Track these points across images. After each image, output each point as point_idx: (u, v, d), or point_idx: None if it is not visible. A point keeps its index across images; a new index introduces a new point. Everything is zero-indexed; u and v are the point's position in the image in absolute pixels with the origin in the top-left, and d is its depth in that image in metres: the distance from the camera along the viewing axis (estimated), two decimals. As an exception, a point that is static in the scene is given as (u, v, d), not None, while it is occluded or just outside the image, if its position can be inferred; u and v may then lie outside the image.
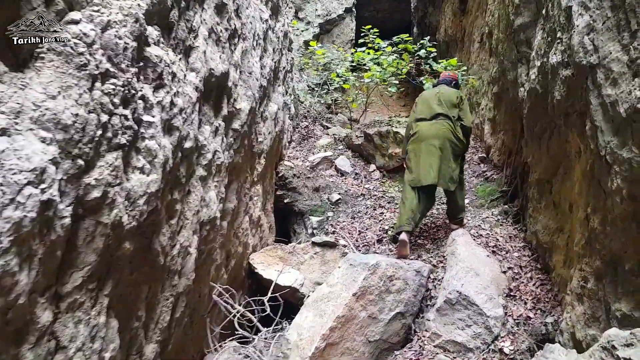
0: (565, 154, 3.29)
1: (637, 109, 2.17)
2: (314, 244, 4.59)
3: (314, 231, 5.39)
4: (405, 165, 4.51)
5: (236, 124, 3.48)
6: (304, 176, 6.13)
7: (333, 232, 5.02)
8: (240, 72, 3.65)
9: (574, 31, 2.70)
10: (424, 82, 6.15)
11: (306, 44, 10.54)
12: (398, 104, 14.60)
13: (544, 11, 3.39)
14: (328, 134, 8.09)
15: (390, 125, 6.38)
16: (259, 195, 4.64)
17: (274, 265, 4.48)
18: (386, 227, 4.72)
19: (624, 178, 2.30)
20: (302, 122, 8.54)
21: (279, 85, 5.48)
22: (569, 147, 3.20)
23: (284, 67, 5.72)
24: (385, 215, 5.02)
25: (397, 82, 7.21)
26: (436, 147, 4.11)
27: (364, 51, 6.92)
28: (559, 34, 2.99)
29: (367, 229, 4.84)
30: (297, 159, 6.58)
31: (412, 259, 3.90)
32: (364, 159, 6.69)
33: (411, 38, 6.30)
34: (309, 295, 3.90)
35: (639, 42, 2.17)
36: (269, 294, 4.03)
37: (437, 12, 10.19)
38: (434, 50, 6.30)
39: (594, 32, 2.53)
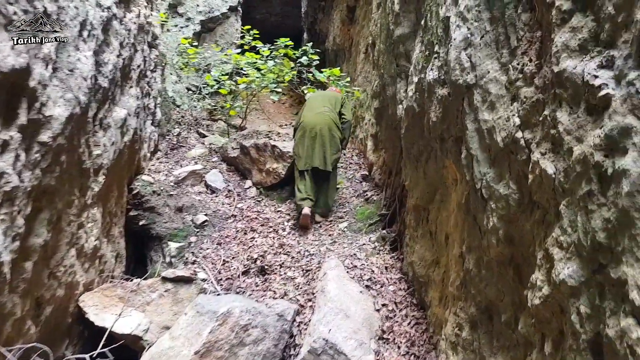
0: (442, 181, 3.05)
1: (515, 138, 1.90)
2: (164, 279, 3.89)
3: (172, 260, 4.67)
4: (294, 153, 5.13)
5: (45, 136, 2.68)
6: (166, 193, 5.36)
7: (194, 262, 4.35)
8: (54, 68, 2.85)
9: (451, 45, 2.43)
10: (305, 91, 5.76)
11: (196, 39, 9.69)
12: (290, 112, 14.31)
13: (423, 22, 3.14)
14: (204, 144, 7.36)
15: (268, 137, 5.89)
16: (95, 220, 3.80)
17: (111, 308, 3.68)
18: (255, 256, 4.19)
19: (500, 217, 2.02)
20: (174, 128, 7.70)
21: (130, 87, 4.67)
22: (445, 174, 2.96)
23: (138, 66, 4.93)
24: (256, 241, 4.48)
25: (279, 90, 6.76)
26: (319, 133, 4.77)
27: (241, 53, 6.37)
28: (436, 48, 2.73)
29: (233, 258, 4.26)
30: (160, 172, 5.77)
31: (276, 298, 3.41)
32: (239, 173, 6.10)
33: (292, 43, 5.89)
34: (149, 348, 3.20)
35: (519, 61, 1.91)
36: (100, 347, 3.26)
37: (327, 19, 10.04)
38: (316, 58, 5.96)
39: (472, 47, 2.26)
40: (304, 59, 5.87)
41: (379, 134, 5.22)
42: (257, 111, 12.77)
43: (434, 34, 2.79)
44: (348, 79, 6.16)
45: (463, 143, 2.37)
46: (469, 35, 2.29)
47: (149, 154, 5.95)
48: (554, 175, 1.62)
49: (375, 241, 4.13)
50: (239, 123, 9.38)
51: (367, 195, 5.07)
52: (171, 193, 5.39)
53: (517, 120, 1.90)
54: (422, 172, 3.36)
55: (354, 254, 3.92)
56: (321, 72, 5.85)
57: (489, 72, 2.14)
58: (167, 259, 4.74)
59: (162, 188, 5.41)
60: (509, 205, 1.97)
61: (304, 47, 5.93)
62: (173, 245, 4.77)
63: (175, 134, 7.48)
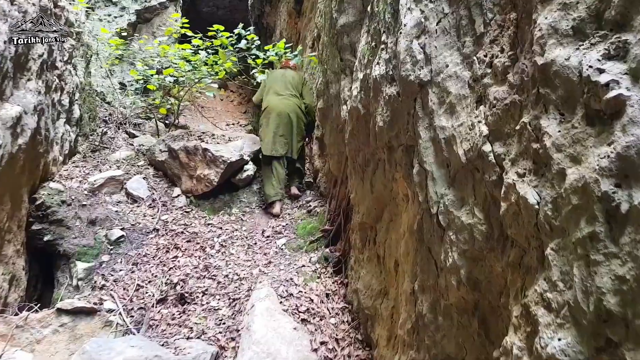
0: (391, 196, 2.61)
1: (481, 152, 1.47)
2: (59, 311, 3.23)
3: (79, 283, 4.00)
4: (260, 137, 5.26)
5: None
6: (78, 203, 4.64)
7: (102, 287, 3.70)
8: None
9: (401, 33, 1.98)
10: (257, 75, 5.19)
11: (128, 32, 8.83)
12: (239, 110, 13.56)
13: (369, 7, 2.69)
14: (132, 145, 6.62)
15: (200, 139, 5.28)
16: (-28, 240, 3.09)
17: (-13, 351, 2.98)
18: (176, 280, 3.60)
19: (462, 252, 1.58)
20: (99, 127, 6.90)
21: (28, 80, 3.94)
22: (395, 188, 2.52)
23: (40, 55, 4.19)
24: (178, 261, 3.89)
25: (216, 85, 6.15)
26: (285, 120, 4.83)
27: (167, 43, 5.70)
28: (383, 37, 2.28)
29: (149, 282, 3.65)
30: (72, 178, 5.03)
31: (192, 338, 2.85)
32: (168, 180, 5.44)
33: (227, 33, 5.30)
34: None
35: (487, 52, 1.48)
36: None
37: (274, 12, 9.50)
38: (255, 37, 5.40)
39: (426, 34, 1.82)
40: (242, 44, 5.28)
41: (324, 137, 4.75)
42: (204, 109, 12.01)
43: (381, 21, 2.34)
44: (300, 47, 5.67)
45: (415, 155, 1.92)
46: (422, 20, 1.84)
47: (61, 158, 5.18)
48: (537, 206, 1.19)
49: (317, 262, 3.65)
50: (180, 122, 8.65)
51: (310, 206, 4.59)
52: (84, 203, 4.68)
53: (485, 129, 1.47)
54: (368, 184, 2.91)
55: (291, 279, 3.42)
56: (264, 51, 5.33)
57: (447, 65, 1.70)
58: (74, 282, 4.06)
59: (73, 197, 4.69)
60: (473, 239, 1.53)
61: (236, 30, 5.34)
62: (81, 266, 4.09)
63: (100, 134, 6.69)
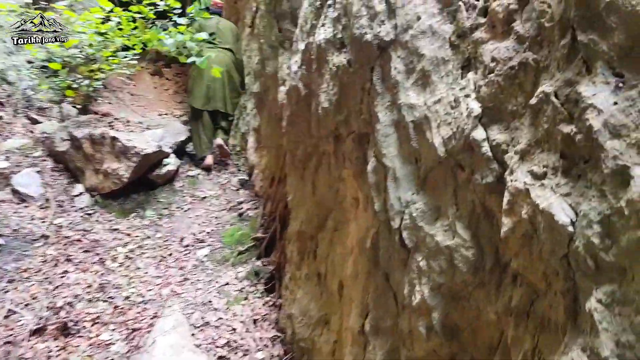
0: (337, 200, 2.15)
1: (471, 141, 1.03)
2: None
3: None
4: (188, 90, 5.31)
5: None
6: (-57, 201, 3.86)
7: (-39, 312, 2.98)
8: None
9: (354, -21, 1.52)
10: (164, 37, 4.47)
11: (35, 3, 7.84)
12: (174, 99, 12.68)
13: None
14: (33, 132, 5.77)
15: (110, 126, 4.60)
16: None
17: None
18: (61, 303, 2.96)
19: (436, 287, 1.15)
20: (-8, 110, 5.99)
21: None
22: (342, 189, 2.07)
23: None
24: (68, 278, 3.24)
25: (135, 61, 5.44)
26: (221, 74, 4.47)
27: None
28: (331, -9, 1.81)
29: (26, 306, 2.99)
30: (-61, 171, 4.21)
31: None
32: (70, 174, 4.71)
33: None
34: None
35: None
36: None
37: (210, -12, 8.83)
38: (177, 4, 4.78)
39: (389, -25, 1.36)
40: (160, 7, 4.63)
41: (261, 128, 4.24)
42: (134, 97, 11.08)
43: (329, -30, 1.87)
44: None
45: (371, 145, 1.47)
46: (385, -43, 1.39)
47: None
48: (570, 228, 0.76)
49: (245, 278, 3.13)
50: (102, 110, 7.77)
51: (242, 208, 4.04)
52: (-50, 202, 3.91)
53: (476, 106, 1.04)
54: (309, 184, 2.44)
55: (210, 302, 2.87)
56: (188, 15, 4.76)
57: (419, 18, 1.26)
58: None
59: (-62, 195, 3.90)
60: (453, 268, 1.09)
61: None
62: (-63, 284, 3.33)
63: (-6, 118, 5.80)
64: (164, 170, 4.48)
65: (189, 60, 4.24)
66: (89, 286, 3.13)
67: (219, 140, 4.88)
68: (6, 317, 2.92)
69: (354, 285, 1.76)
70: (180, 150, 4.92)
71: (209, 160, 4.87)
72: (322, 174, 2.30)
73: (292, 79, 2.38)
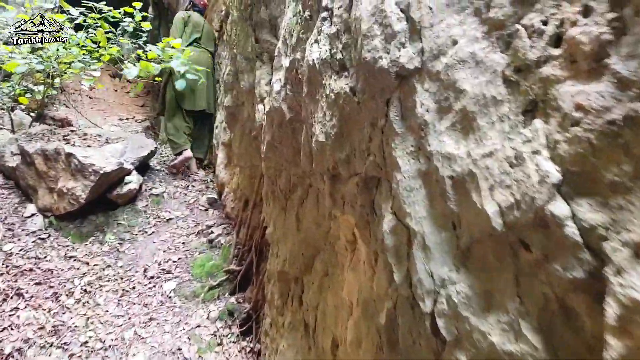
0: (327, 240, 1.85)
1: (545, 217, 0.75)
2: None
3: None
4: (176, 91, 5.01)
5: None
6: None
7: None
8: None
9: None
10: (127, 66, 4.07)
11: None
12: (136, 103, 12.04)
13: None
14: (-21, 142, 5.23)
15: (65, 140, 4.16)
16: None
17: None
18: (8, 350, 2.54)
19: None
20: None
21: None
22: (334, 230, 1.77)
23: None
24: (18, 317, 2.82)
25: (97, 73, 4.99)
26: (204, 75, 4.36)
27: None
28: (325, 1, 1.51)
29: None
30: None
31: None
32: (21, 192, 4.24)
33: (111, 8, 4.22)
34: None
35: (550, 15, 0.77)
36: None
37: (175, -11, 8.39)
38: (148, 27, 4.38)
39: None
40: (127, 22, 4.22)
41: (232, 143, 3.89)
42: (93, 100, 10.44)
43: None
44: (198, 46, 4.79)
45: (385, 196, 1.18)
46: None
47: None
48: None
49: (218, 319, 2.78)
50: (58, 115, 7.21)
51: (212, 233, 3.68)
52: None
53: (552, 170, 0.76)
54: (293, 218, 2.13)
55: (179, 349, 2.52)
56: (155, 44, 4.27)
57: (455, 42, 0.98)
58: None
59: None
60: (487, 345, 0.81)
61: (125, 8, 4.28)
62: None
63: None
64: (125, 189, 4.07)
65: (177, 85, 3.90)
66: (42, 328, 2.73)
67: (188, 153, 4.84)
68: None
69: (356, 354, 1.46)
70: (142, 166, 4.52)
71: (179, 162, 4.86)
72: (309, 208, 1.99)
73: (273, 99, 2.06)
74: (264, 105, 2.40)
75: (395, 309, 1.14)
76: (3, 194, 4.28)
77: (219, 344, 2.62)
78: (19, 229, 3.85)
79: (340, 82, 1.38)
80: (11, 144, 4.55)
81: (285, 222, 2.23)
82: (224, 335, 2.69)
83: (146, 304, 2.99)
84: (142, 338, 2.66)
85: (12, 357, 2.57)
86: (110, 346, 2.59)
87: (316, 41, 1.56)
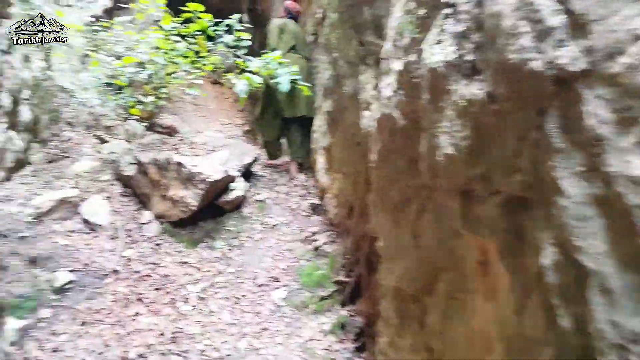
0: (452, 260, 1.68)
1: None
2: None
3: (10, 349, 3.12)
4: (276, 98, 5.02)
5: None
6: (16, 235, 3.74)
7: (33, 363, 2.81)
8: None
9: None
10: (232, 80, 4.19)
11: (98, 19, 7.92)
12: (235, 107, 12.58)
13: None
14: (100, 152, 5.70)
15: (175, 149, 4.37)
16: None
17: None
18: (133, 355, 2.68)
19: None
20: (62, 131, 5.98)
21: None
22: (461, 248, 1.59)
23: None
24: (140, 322, 2.97)
25: (201, 81, 5.21)
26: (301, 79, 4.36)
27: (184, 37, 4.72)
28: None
29: (99, 354, 2.75)
30: (12, 200, 4.13)
31: None
32: (138, 200, 4.52)
33: (210, 15, 4.34)
34: None
35: None
36: None
37: (269, -4, 8.56)
38: (247, 36, 4.44)
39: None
40: (227, 38, 4.32)
41: (332, 148, 3.82)
42: (196, 106, 11.04)
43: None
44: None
45: (543, 225, 0.99)
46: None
47: (2, 174, 4.28)
48: None
49: (330, 332, 2.71)
50: (165, 123, 7.69)
51: (316, 240, 3.64)
52: (24, 235, 3.78)
53: None
54: (408, 233, 1.98)
55: (291, 361, 2.50)
56: (259, 56, 4.33)
57: (638, 37, 0.77)
58: (5, 346, 3.18)
59: (10, 227, 3.79)
60: None
61: (227, 21, 4.38)
62: (12, 325, 3.18)
63: (65, 140, 5.78)
64: (231, 195, 4.18)
65: (282, 89, 3.98)
66: (162, 334, 2.84)
67: (293, 168, 4.96)
68: (76, 369, 2.69)
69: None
70: (246, 173, 4.61)
71: (294, 170, 4.97)
72: (428, 224, 1.83)
73: (384, 106, 1.93)
74: (370, 111, 2.27)
75: (559, 357, 0.96)
76: (122, 201, 4.59)
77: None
78: (137, 234, 4.10)
79: (472, 88, 1.21)
80: (127, 154, 4.88)
81: (397, 236, 2.09)
82: (336, 350, 2.62)
83: (258, 313, 3.01)
84: (256, 349, 2.66)
85: (137, 363, 2.71)
86: (225, 356, 2.63)
87: (438, 42, 1.40)
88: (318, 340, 2.67)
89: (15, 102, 4.67)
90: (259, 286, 3.29)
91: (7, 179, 4.48)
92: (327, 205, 3.92)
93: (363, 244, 2.82)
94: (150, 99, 5.94)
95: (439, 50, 1.39)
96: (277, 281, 3.32)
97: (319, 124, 4.24)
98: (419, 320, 1.93)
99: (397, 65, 1.82)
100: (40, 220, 3.99)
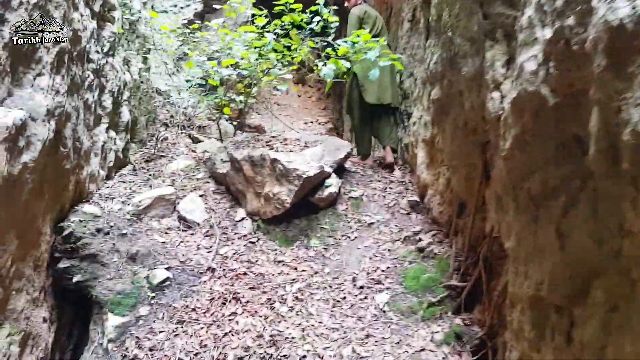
0: (611, 262, 1.38)
1: None
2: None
3: (110, 346, 3.21)
4: (361, 85, 5.06)
5: None
6: (118, 232, 3.86)
7: (134, 359, 2.84)
8: None
9: None
10: (320, 68, 4.03)
11: (190, 23, 8.24)
12: (317, 106, 12.62)
13: None
14: (195, 151, 5.85)
15: (269, 145, 4.30)
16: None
17: None
18: (231, 357, 2.60)
19: None
20: (159, 132, 6.21)
21: (38, 75, 3.12)
22: (628, 247, 1.29)
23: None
24: (237, 322, 2.90)
25: (289, 77, 5.15)
26: (388, 67, 4.60)
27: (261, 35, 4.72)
28: None
29: (195, 355, 2.71)
30: (114, 198, 4.28)
31: None
32: (231, 197, 4.54)
33: (300, 5, 4.23)
34: None
35: None
36: None
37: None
38: (335, 20, 4.29)
39: None
40: (315, 25, 4.20)
41: (436, 140, 3.55)
42: (280, 106, 11.20)
43: None
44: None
45: None
46: None
47: (103, 172, 4.46)
48: None
49: (444, 342, 2.46)
50: (253, 123, 7.81)
51: (420, 240, 3.38)
52: (124, 232, 3.90)
53: None
54: (551, 232, 1.69)
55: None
56: (344, 42, 4.16)
57: None
58: (105, 342, 3.27)
59: (112, 224, 3.92)
60: None
61: (313, 7, 4.24)
62: (113, 321, 3.28)
63: (161, 139, 6.00)
64: (326, 192, 4.04)
65: (371, 75, 3.85)
66: (259, 336, 2.75)
67: (389, 156, 4.89)
68: (177, 368, 2.65)
69: None
70: (339, 169, 4.46)
71: (390, 157, 4.90)
72: (581, 219, 1.53)
73: (525, 82, 1.65)
74: (499, 91, 2.00)
75: None
76: (216, 198, 4.63)
77: (448, 372, 2.31)
78: (231, 232, 4.09)
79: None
80: (221, 152, 4.92)
81: (537, 236, 1.80)
82: (453, 361, 2.37)
83: (360, 317, 2.82)
84: (362, 357, 2.47)
85: (235, 365, 2.63)
86: (327, 364, 2.48)
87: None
88: (431, 351, 2.43)
89: (116, 103, 4.86)
90: (359, 288, 3.10)
91: (109, 177, 4.68)
92: (430, 203, 3.65)
93: (481, 245, 2.53)
94: (242, 97, 6.00)
95: (624, 4, 1.11)
96: (379, 284, 3.11)
97: (419, 114, 3.97)
98: (565, 333, 1.63)
99: (545, 33, 1.55)
100: (139, 217, 4.10)
